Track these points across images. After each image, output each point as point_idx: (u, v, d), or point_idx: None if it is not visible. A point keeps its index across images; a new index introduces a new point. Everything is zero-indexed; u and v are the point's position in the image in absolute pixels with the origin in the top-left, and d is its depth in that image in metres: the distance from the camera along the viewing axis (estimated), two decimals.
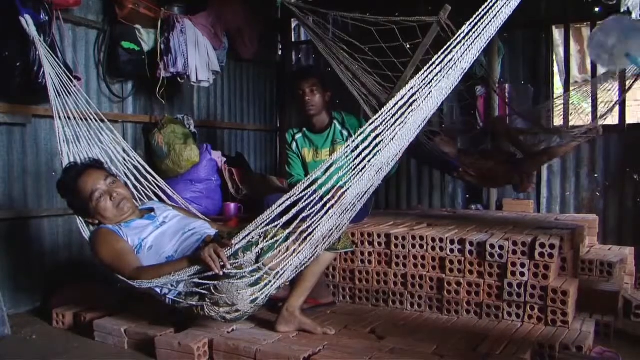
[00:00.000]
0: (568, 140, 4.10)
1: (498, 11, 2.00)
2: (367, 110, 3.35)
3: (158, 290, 2.37)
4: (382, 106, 2.14)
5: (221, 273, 2.16)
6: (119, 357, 2.56)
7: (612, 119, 4.40)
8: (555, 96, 4.87)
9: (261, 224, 2.16)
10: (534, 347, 2.44)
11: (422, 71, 2.08)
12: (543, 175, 4.85)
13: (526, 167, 4.00)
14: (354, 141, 2.10)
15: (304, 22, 3.62)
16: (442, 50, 2.06)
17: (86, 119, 2.82)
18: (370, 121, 2.11)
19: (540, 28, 4.86)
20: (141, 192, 2.90)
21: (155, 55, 3.90)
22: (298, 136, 3.53)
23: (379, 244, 3.14)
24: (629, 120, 4.61)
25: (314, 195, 2.13)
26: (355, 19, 3.22)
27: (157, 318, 2.73)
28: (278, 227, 2.18)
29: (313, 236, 2.23)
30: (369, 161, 2.15)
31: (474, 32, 2.03)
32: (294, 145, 3.53)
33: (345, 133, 3.43)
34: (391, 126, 2.11)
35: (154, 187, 2.93)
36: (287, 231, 2.22)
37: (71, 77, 2.84)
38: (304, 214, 2.14)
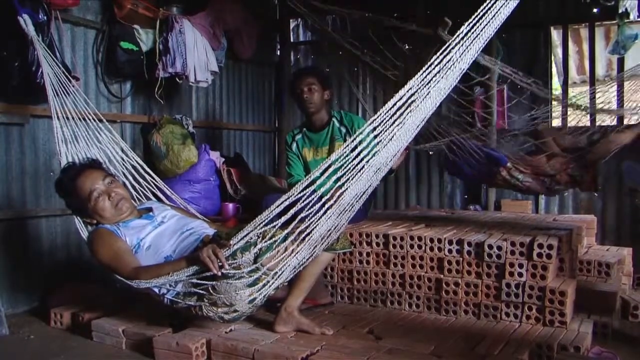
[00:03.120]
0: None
1: (496, 12, 2.00)
2: (371, 112, 3.34)
3: (156, 290, 2.37)
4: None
5: (219, 273, 2.16)
6: (116, 357, 2.55)
7: (611, 120, 4.40)
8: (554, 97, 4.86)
9: (259, 224, 2.16)
10: (532, 347, 2.45)
11: (421, 72, 2.08)
12: None
13: (589, 157, 3.41)
14: (352, 141, 2.10)
15: (311, 23, 3.59)
16: (440, 51, 2.06)
17: (84, 119, 2.82)
18: (369, 121, 2.11)
19: (539, 29, 4.87)
20: (139, 192, 2.90)
21: (154, 55, 3.90)
22: (298, 137, 3.53)
23: (377, 244, 3.14)
24: (627, 121, 4.61)
25: (313, 196, 2.13)
26: (372, 20, 3.19)
27: (155, 318, 2.73)
28: (276, 227, 2.18)
29: (311, 236, 2.23)
30: (367, 162, 2.15)
31: (473, 33, 2.03)
32: (294, 146, 3.52)
33: (343, 130, 3.43)
34: (390, 126, 2.11)
35: (152, 187, 2.92)
36: (286, 231, 2.21)
37: (69, 77, 2.84)
38: (302, 214, 2.14)
